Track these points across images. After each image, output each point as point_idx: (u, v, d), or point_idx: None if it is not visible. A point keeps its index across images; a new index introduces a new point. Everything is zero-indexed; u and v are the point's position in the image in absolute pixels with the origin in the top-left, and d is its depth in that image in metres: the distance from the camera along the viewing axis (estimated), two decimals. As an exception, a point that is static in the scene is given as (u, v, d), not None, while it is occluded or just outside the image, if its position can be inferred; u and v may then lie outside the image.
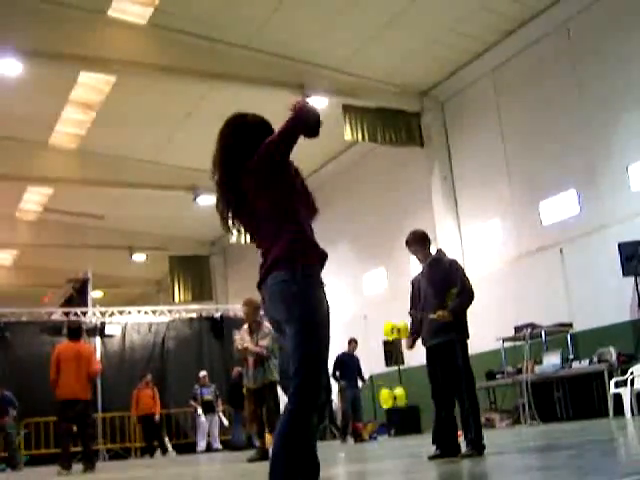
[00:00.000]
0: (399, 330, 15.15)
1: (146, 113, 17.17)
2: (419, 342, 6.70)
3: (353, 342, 14.94)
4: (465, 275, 6.60)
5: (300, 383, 3.22)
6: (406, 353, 15.13)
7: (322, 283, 3.47)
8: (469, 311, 6.58)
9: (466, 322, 6.50)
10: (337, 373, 14.37)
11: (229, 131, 3.61)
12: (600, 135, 13.21)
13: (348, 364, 14.52)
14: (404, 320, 13.65)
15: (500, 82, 15.41)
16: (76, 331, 10.75)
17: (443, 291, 6.43)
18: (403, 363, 15.54)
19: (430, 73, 16.29)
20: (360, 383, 14.82)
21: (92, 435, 10.63)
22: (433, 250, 6.82)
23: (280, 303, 3.37)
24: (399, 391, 14.75)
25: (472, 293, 6.50)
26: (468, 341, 6.47)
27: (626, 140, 12.74)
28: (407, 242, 6.77)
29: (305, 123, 3.34)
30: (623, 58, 12.80)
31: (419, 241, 6.73)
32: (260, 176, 3.40)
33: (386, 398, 14.99)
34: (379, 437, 15.66)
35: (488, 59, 15.40)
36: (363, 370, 14.86)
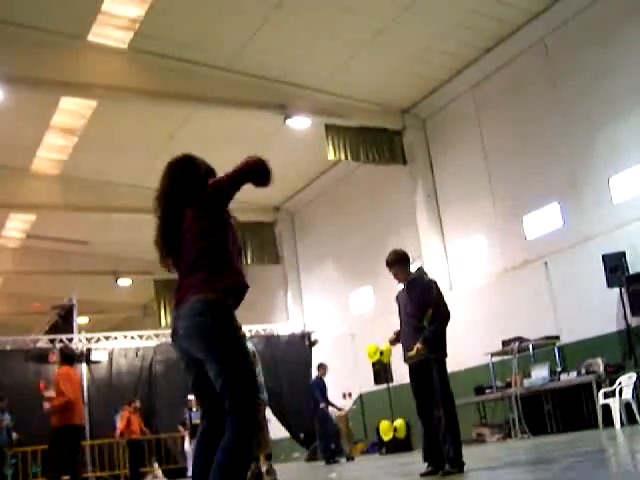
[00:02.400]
0: (382, 352, 15.23)
1: (128, 137, 17.16)
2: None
3: (322, 367, 15.04)
4: (441, 297, 6.54)
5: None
6: (395, 371, 15.13)
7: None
8: (455, 328, 6.57)
9: (444, 341, 6.45)
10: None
11: (177, 169, 3.85)
12: (581, 148, 13.33)
13: (322, 388, 14.62)
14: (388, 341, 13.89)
15: (481, 98, 15.54)
16: (73, 357, 10.61)
17: (420, 312, 6.41)
18: (392, 381, 15.48)
19: (411, 91, 16.41)
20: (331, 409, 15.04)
21: (80, 462, 10.32)
22: (413, 268, 6.81)
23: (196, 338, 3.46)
24: (399, 422, 14.65)
25: (447, 315, 6.47)
26: (447, 359, 6.45)
27: (607, 153, 12.86)
28: (389, 263, 6.68)
29: (254, 172, 3.58)
30: (601, 72, 12.96)
31: (401, 262, 6.68)
32: (201, 208, 3.62)
33: (385, 430, 14.88)
34: (370, 455, 15.60)
35: (468, 76, 15.54)
36: (352, 388, 14.85)
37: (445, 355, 6.43)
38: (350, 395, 17.66)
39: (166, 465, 17.05)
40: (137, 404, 15.74)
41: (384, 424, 14.84)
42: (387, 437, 14.85)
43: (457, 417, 6.36)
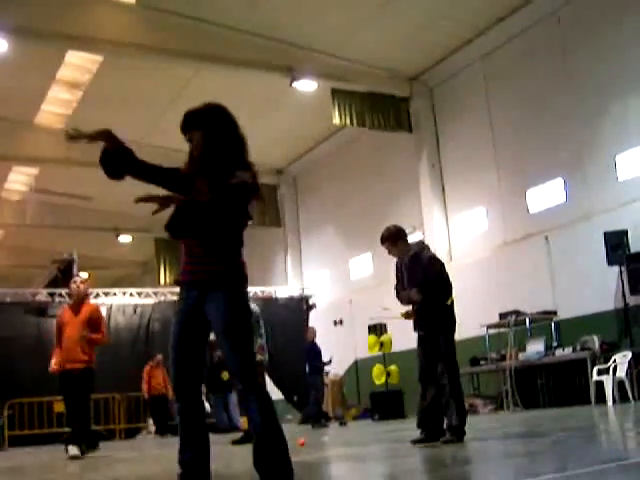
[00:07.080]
0: (382, 344, 15.23)
1: (133, 94, 17.03)
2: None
3: (310, 331, 15.01)
4: (443, 268, 6.55)
5: None
6: (396, 341, 15.18)
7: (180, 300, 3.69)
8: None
9: (452, 316, 6.46)
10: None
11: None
12: (588, 124, 13.23)
13: (318, 353, 14.62)
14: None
15: (490, 69, 15.38)
16: (71, 296, 9.03)
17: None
18: (389, 350, 15.56)
19: (420, 58, 16.23)
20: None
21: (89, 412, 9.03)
22: (414, 238, 6.78)
23: None
24: (393, 368, 14.54)
25: (449, 285, 6.50)
26: (455, 334, 6.46)
27: (614, 129, 12.77)
28: (381, 240, 6.67)
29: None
30: (612, 47, 12.80)
31: (393, 239, 6.61)
32: None
33: (378, 374, 14.86)
34: (362, 421, 15.74)
35: (478, 45, 15.35)
36: (348, 354, 14.87)
37: (453, 330, 6.45)
38: None
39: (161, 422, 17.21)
40: (159, 357, 15.87)
41: (378, 367, 14.75)
42: (379, 381, 14.95)
43: (461, 386, 6.42)
